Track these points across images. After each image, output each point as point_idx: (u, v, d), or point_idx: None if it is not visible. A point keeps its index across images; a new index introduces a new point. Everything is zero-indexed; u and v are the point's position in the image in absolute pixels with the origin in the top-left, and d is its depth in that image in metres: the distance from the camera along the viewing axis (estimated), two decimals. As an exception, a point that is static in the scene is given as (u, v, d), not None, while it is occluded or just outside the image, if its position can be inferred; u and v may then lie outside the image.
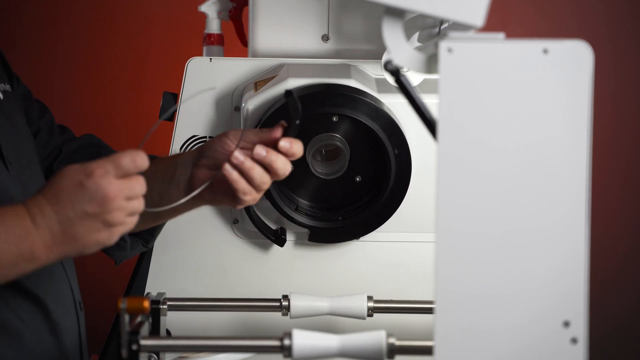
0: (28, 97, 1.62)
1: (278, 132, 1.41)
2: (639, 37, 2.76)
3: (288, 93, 1.43)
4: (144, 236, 1.62)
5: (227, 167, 1.39)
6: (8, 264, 1.20)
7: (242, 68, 1.68)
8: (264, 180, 1.40)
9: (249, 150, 1.41)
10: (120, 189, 1.20)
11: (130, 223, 1.23)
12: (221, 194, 1.44)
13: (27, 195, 1.39)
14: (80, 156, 1.61)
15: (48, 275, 1.43)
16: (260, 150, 1.39)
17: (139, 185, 1.23)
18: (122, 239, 1.52)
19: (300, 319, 1.57)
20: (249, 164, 1.39)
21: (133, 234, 1.61)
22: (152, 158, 1.53)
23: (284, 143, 1.40)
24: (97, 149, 1.65)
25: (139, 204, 1.23)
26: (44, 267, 1.25)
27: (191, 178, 1.46)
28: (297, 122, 1.41)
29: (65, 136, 1.66)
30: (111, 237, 1.22)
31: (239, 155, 1.39)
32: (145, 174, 1.43)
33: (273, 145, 1.41)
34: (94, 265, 2.30)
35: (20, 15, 2.73)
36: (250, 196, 1.41)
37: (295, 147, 1.41)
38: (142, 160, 1.22)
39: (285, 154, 1.40)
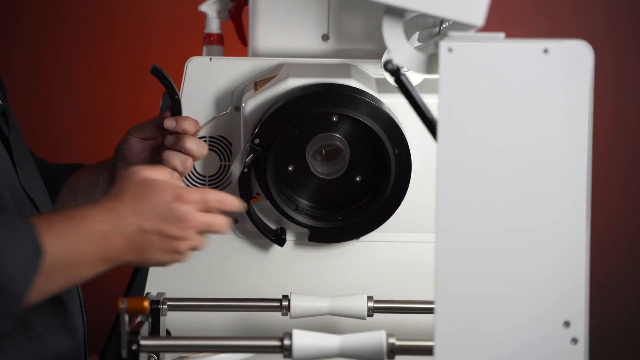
0: None
1: (166, 114, 1.54)
2: (639, 37, 2.76)
3: (154, 69, 1.49)
4: None
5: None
6: (86, 265, 1.22)
7: (242, 68, 1.68)
8: (187, 165, 1.54)
9: (153, 140, 1.58)
10: (198, 221, 1.27)
11: (186, 256, 1.29)
12: None
13: (34, 200, 1.41)
14: None
15: None
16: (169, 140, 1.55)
17: (218, 224, 1.29)
18: None
19: (300, 319, 1.57)
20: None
21: None
22: (78, 166, 1.67)
23: (169, 122, 1.54)
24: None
25: (204, 243, 1.29)
26: None
27: (112, 182, 1.57)
28: (176, 97, 1.48)
29: None
30: (170, 261, 1.28)
31: (170, 122, 1.54)
32: (69, 184, 1.64)
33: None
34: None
35: (20, 16, 2.73)
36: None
37: (183, 123, 1.54)
38: (230, 202, 1.31)
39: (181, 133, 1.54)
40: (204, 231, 1.28)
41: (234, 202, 1.31)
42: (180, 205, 1.25)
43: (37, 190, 1.46)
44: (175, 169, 1.53)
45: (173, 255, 1.27)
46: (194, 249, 1.29)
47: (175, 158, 1.54)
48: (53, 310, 1.40)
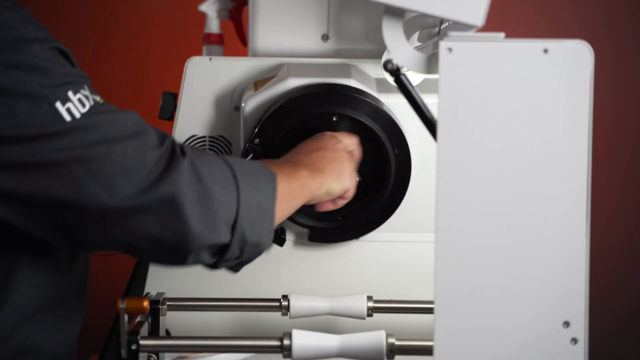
0: None
1: None
2: (639, 37, 2.76)
3: None
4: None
5: None
6: (309, 191, 1.45)
7: (241, 68, 1.68)
8: None
9: None
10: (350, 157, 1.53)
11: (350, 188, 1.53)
12: None
13: None
14: None
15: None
16: None
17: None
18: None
19: (300, 319, 1.57)
20: None
21: None
22: None
23: None
24: None
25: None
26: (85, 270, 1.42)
27: None
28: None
29: None
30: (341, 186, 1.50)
31: None
32: None
33: None
34: (94, 265, 2.30)
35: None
36: None
37: None
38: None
39: None
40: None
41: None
42: (337, 140, 1.54)
43: None
44: None
45: (341, 181, 1.50)
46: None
47: None
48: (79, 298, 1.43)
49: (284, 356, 1.29)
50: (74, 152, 1.19)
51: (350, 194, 1.53)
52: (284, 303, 1.55)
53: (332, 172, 1.48)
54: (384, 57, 1.33)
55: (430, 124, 1.22)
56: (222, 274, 1.70)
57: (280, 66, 1.67)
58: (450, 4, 1.22)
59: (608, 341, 2.74)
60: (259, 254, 1.35)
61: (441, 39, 1.18)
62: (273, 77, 1.64)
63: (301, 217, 1.63)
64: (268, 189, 1.34)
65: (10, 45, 1.18)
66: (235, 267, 1.36)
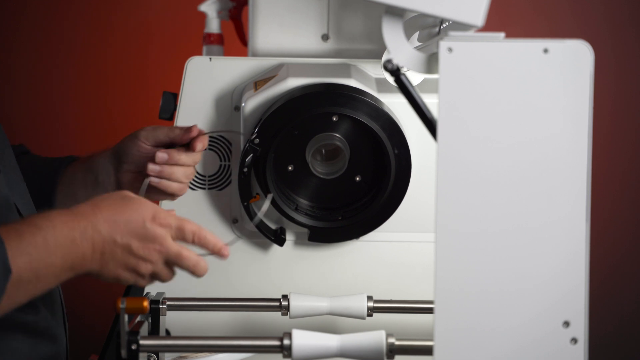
0: None
1: (194, 131, 1.52)
2: (639, 37, 2.76)
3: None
4: None
5: (152, 179, 1.50)
6: (51, 276, 1.19)
7: (241, 67, 1.68)
8: (188, 175, 1.52)
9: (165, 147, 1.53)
10: (168, 251, 1.24)
11: (145, 282, 1.26)
12: (154, 193, 1.53)
13: (16, 203, 1.38)
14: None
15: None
16: (160, 160, 1.50)
17: (186, 261, 1.25)
18: None
19: (300, 319, 1.56)
20: (168, 170, 1.50)
21: None
22: (71, 160, 1.62)
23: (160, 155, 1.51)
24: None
25: (168, 276, 1.27)
26: None
27: (119, 184, 1.54)
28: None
29: None
30: (128, 280, 1.24)
31: (154, 167, 1.50)
32: (63, 180, 1.56)
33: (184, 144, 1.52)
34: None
35: (20, 16, 2.73)
36: (181, 189, 1.53)
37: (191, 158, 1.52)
38: (209, 240, 1.28)
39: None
40: (172, 262, 1.25)
41: (213, 243, 1.27)
42: (155, 225, 1.22)
43: (20, 194, 1.42)
44: (176, 180, 1.52)
45: (133, 275, 1.24)
46: (156, 277, 1.25)
47: (177, 173, 1.53)
48: (29, 318, 1.36)
49: (284, 356, 1.29)
50: None
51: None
52: (284, 303, 1.55)
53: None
54: (384, 57, 1.33)
55: (430, 124, 1.22)
56: (222, 274, 1.70)
57: (280, 66, 1.67)
58: (450, 4, 1.22)
59: (608, 341, 2.74)
60: None
61: (441, 39, 1.17)
62: (273, 77, 1.63)
63: (301, 217, 1.63)
64: None
65: None
66: None
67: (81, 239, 1.19)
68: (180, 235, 1.24)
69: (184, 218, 1.26)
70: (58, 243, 1.18)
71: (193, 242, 1.26)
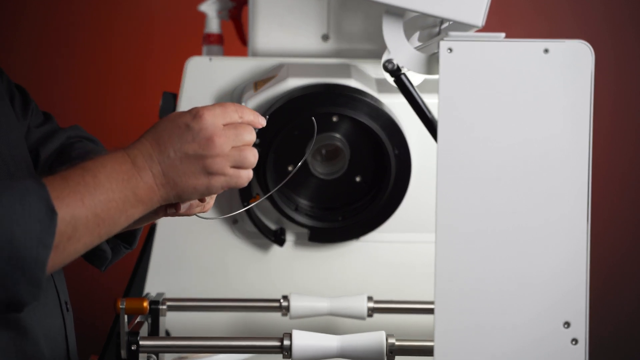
0: (11, 89, 1.59)
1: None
2: (639, 37, 2.76)
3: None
4: (126, 238, 1.47)
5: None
6: (116, 211, 1.13)
7: (241, 67, 1.68)
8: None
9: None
10: (226, 134, 1.15)
11: (233, 177, 1.16)
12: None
13: None
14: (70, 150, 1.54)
15: None
16: None
17: (247, 133, 1.17)
18: (100, 248, 1.46)
19: (300, 319, 1.56)
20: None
21: (115, 237, 1.53)
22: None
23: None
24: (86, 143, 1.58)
25: (249, 156, 1.17)
26: None
27: None
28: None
29: (47, 127, 1.54)
30: (210, 186, 1.16)
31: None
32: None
33: None
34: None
35: (20, 16, 2.73)
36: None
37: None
38: (249, 112, 1.17)
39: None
40: (234, 136, 1.15)
41: (253, 114, 1.18)
42: (197, 120, 1.14)
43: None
44: None
45: (210, 177, 1.15)
46: (237, 166, 1.16)
47: None
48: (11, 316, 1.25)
49: (284, 356, 1.29)
50: None
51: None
52: (284, 303, 1.55)
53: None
54: (384, 57, 1.33)
55: (430, 124, 1.22)
56: (222, 274, 1.70)
57: (280, 66, 1.67)
58: (451, 4, 1.22)
59: (608, 341, 2.74)
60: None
61: (442, 39, 1.17)
62: (273, 77, 1.63)
63: (301, 217, 1.63)
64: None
65: None
66: None
67: (134, 169, 1.13)
68: (226, 117, 1.16)
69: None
70: (111, 177, 1.12)
71: (240, 118, 1.18)
